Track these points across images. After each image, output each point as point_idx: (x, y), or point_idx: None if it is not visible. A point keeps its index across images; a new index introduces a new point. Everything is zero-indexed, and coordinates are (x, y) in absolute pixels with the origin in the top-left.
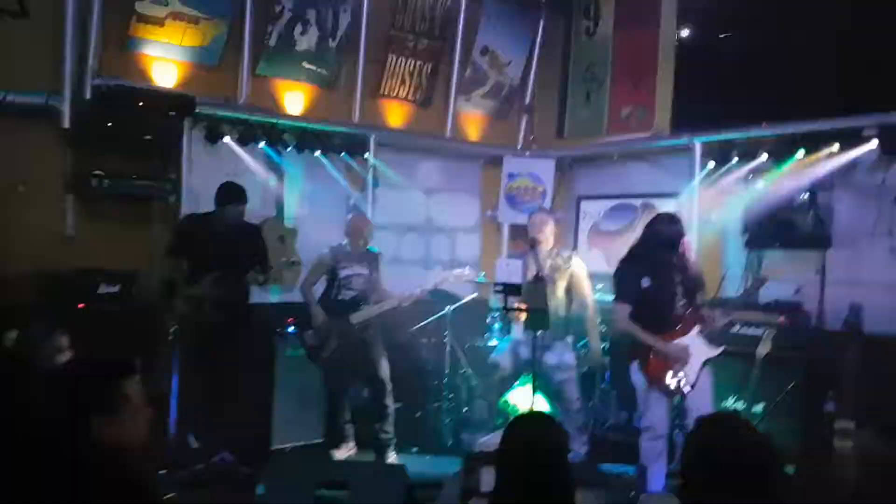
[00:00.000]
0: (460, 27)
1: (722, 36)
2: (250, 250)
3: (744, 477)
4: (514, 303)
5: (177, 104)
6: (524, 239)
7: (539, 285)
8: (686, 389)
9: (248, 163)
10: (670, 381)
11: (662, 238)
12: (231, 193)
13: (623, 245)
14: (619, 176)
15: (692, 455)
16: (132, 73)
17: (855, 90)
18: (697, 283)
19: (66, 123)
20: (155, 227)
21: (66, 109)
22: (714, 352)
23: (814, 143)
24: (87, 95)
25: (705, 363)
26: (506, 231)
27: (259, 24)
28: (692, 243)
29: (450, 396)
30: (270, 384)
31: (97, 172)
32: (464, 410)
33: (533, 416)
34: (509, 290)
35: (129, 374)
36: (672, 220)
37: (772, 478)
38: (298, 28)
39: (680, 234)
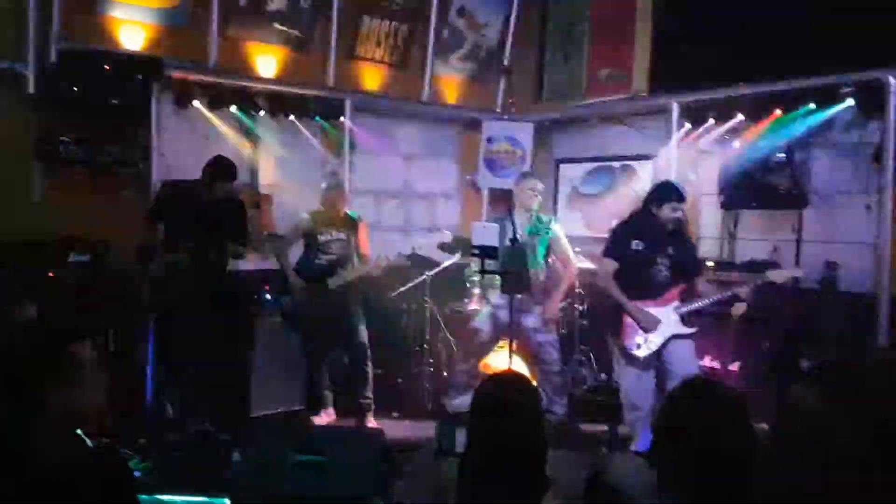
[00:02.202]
0: None
1: None
2: (232, 225)
3: (714, 443)
4: (491, 266)
5: (144, 67)
6: (503, 202)
7: (516, 248)
8: (643, 355)
9: (219, 128)
10: (632, 344)
11: (661, 204)
12: (224, 170)
13: (602, 208)
14: (597, 139)
15: (663, 418)
16: (98, 36)
17: (831, 48)
18: (688, 259)
19: (32, 89)
20: (125, 194)
21: (31, 75)
22: (683, 330)
23: (790, 101)
24: (53, 60)
25: (671, 338)
26: (485, 196)
27: None
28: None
29: (430, 361)
30: (248, 351)
31: (64, 138)
32: (444, 375)
33: (503, 375)
34: (486, 252)
35: (76, 338)
36: (671, 186)
37: (744, 445)
38: None
39: (679, 202)
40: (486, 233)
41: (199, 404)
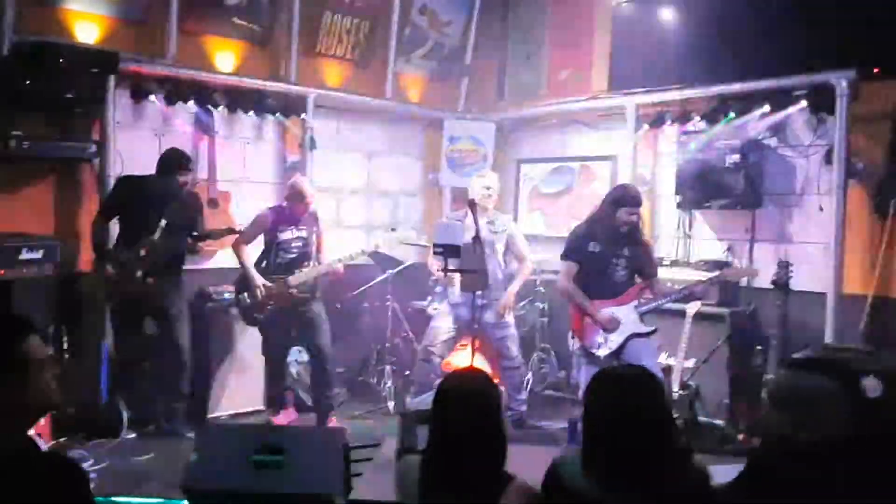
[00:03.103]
0: None
1: None
2: (188, 220)
3: (625, 425)
4: (453, 264)
5: (100, 61)
6: (464, 200)
7: (476, 246)
8: (603, 354)
9: (176, 123)
10: (592, 343)
11: (617, 207)
12: (177, 162)
13: (562, 207)
14: (557, 139)
15: (585, 407)
16: (53, 28)
17: (785, 51)
18: (644, 259)
19: None
20: (79, 191)
21: None
22: (642, 329)
23: (745, 103)
24: (5, 52)
25: (631, 336)
26: (447, 194)
27: None
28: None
29: (392, 360)
30: (206, 349)
31: (16, 133)
32: (406, 374)
33: (465, 370)
34: (448, 251)
35: (24, 331)
36: (628, 191)
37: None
38: None
39: (634, 207)
40: (449, 231)
41: (155, 404)
